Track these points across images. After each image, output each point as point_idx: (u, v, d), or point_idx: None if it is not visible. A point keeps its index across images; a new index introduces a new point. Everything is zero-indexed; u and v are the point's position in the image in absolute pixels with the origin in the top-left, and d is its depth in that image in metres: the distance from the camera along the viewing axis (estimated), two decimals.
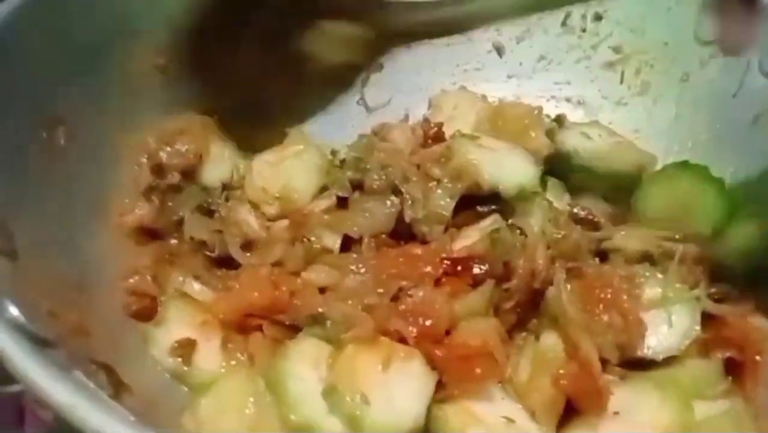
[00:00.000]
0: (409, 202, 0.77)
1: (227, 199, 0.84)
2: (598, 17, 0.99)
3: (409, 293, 0.69)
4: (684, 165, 0.84)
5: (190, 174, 0.83)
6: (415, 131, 0.90)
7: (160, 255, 0.78)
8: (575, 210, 0.84)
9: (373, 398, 0.61)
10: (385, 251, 0.75)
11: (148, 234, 0.80)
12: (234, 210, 0.81)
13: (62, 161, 0.69)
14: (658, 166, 0.89)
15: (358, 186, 0.81)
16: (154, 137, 0.81)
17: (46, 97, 0.69)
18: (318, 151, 0.89)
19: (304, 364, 0.65)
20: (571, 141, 0.89)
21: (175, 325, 0.71)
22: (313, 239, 0.77)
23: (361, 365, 0.63)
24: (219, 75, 0.87)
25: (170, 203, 0.81)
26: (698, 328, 0.70)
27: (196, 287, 0.77)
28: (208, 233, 0.79)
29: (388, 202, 0.78)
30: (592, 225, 0.83)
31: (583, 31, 1.00)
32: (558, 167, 0.88)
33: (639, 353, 0.69)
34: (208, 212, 0.82)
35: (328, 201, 0.82)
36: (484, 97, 0.98)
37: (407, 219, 0.76)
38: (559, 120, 0.95)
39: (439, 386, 0.65)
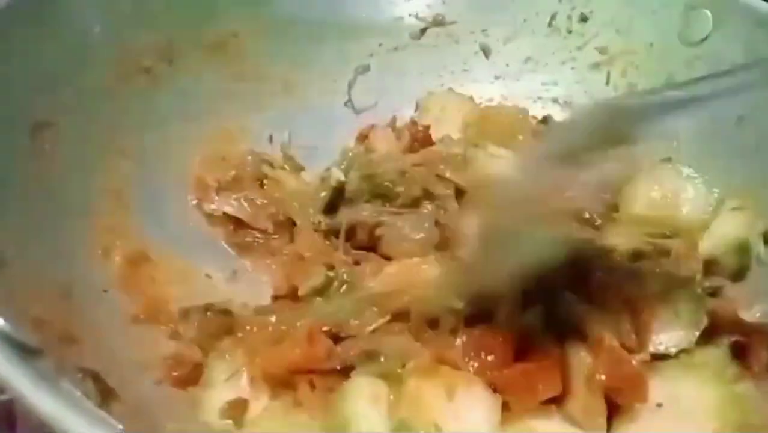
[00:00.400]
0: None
1: None
2: (583, 18, 0.99)
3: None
4: (668, 162, 0.85)
5: None
6: (402, 134, 0.89)
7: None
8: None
9: (446, 428, 0.60)
10: None
11: None
12: None
13: (48, 167, 0.69)
14: (644, 165, 0.89)
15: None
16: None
17: (31, 101, 0.68)
18: None
19: (365, 402, 0.63)
20: None
21: (222, 386, 0.68)
22: None
23: (426, 397, 0.62)
24: None
25: None
26: (705, 318, 0.70)
27: None
28: None
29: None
30: (592, 225, 0.83)
31: (569, 32, 1.00)
32: None
33: (652, 349, 0.69)
34: None
35: None
36: (471, 98, 0.99)
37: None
38: (546, 121, 0.95)
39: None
